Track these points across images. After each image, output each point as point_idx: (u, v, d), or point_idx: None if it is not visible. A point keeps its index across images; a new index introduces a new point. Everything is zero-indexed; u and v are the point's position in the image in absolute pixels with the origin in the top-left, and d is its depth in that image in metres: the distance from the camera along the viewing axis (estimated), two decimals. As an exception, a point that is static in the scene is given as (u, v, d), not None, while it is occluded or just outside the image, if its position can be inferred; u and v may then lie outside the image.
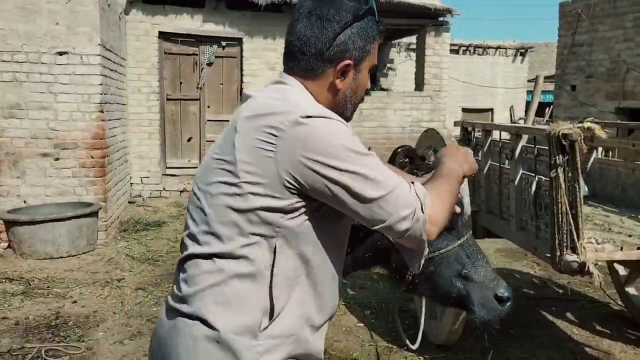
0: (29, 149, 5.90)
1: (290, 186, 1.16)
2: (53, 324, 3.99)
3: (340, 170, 1.16)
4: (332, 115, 1.20)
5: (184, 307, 1.22)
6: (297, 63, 1.30)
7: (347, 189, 1.17)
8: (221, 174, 1.21)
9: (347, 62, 1.29)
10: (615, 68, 9.88)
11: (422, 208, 1.22)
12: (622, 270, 4.27)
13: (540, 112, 15.60)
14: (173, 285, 1.31)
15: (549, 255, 3.01)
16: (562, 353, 3.70)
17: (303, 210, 1.20)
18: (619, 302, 4.43)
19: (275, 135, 1.16)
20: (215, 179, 1.22)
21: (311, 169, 1.15)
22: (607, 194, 4.17)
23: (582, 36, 10.65)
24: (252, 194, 1.17)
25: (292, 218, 1.19)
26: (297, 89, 1.29)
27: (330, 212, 1.23)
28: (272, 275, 1.20)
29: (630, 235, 3.16)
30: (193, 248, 1.25)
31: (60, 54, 5.89)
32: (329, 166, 1.15)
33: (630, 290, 4.22)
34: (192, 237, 1.26)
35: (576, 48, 10.71)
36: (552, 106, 13.45)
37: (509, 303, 1.67)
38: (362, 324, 4.09)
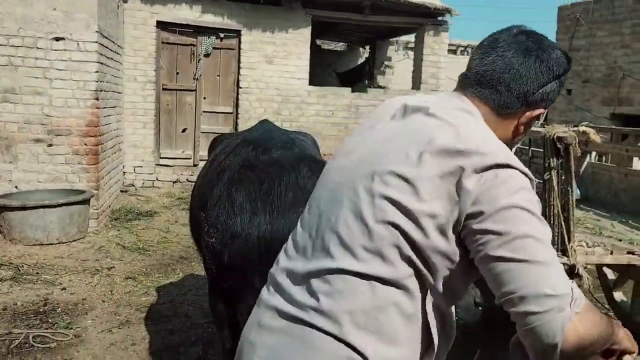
0: (22, 134, 5.86)
1: (458, 231, 1.12)
2: (41, 310, 3.97)
3: (506, 221, 1.08)
4: (523, 168, 1.15)
5: (321, 322, 1.14)
6: (497, 96, 1.25)
7: (499, 236, 1.08)
8: (399, 192, 1.13)
9: (542, 110, 1.28)
10: (612, 74, 9.92)
11: (571, 303, 1.06)
12: (610, 275, 4.30)
13: (535, 115, 15.65)
14: (292, 287, 1.22)
15: (539, 257, 3.02)
16: (548, 354, 3.72)
17: (459, 258, 1.14)
18: (606, 306, 4.46)
19: (465, 177, 1.10)
20: (391, 194, 1.14)
21: (481, 217, 1.09)
22: (599, 198, 4.19)
23: (579, 41, 10.68)
24: (430, 230, 1.12)
25: (447, 261, 1.14)
26: (483, 124, 1.24)
27: (473, 267, 1.17)
28: (426, 314, 1.17)
29: (620, 240, 3.19)
30: (346, 262, 1.15)
31: (57, 39, 5.84)
32: (496, 218, 1.09)
33: (618, 294, 4.25)
34: (346, 248, 1.16)
35: (573, 53, 10.75)
36: (547, 109, 13.51)
37: (481, 307, 1.77)
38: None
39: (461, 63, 16.25)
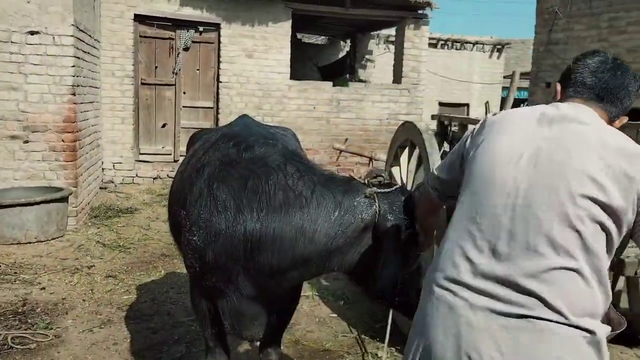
0: (-4, 131, 5.72)
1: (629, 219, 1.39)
2: (20, 310, 3.89)
3: None
4: None
5: (549, 314, 1.34)
6: (614, 108, 1.56)
7: None
8: (597, 191, 1.35)
9: (627, 119, 1.60)
10: (589, 67, 10.04)
11: None
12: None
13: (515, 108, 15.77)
14: (501, 288, 1.38)
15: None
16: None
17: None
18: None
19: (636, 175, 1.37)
20: (590, 194, 1.35)
21: None
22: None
23: (557, 34, 10.79)
24: (622, 221, 1.37)
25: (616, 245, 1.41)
26: None
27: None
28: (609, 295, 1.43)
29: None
30: (561, 260, 1.35)
31: (32, 33, 5.71)
32: None
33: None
34: (558, 247, 1.35)
35: (552, 46, 10.86)
36: (526, 103, 13.64)
37: None
38: (335, 315, 4.10)
39: (442, 56, 16.33)
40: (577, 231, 1.34)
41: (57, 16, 5.75)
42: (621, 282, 4.00)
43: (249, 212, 2.17)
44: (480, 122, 1.66)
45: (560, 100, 1.61)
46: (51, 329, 3.64)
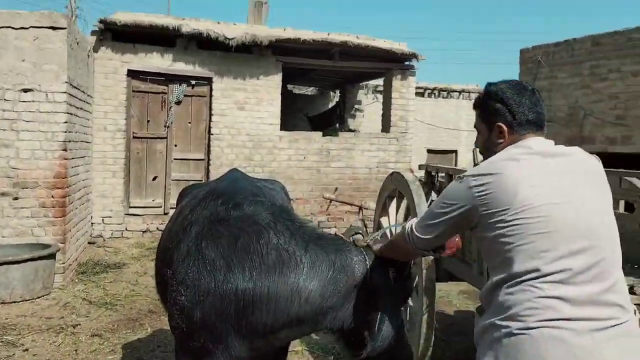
0: (-14, 188, 5.71)
1: None
2: (1, 374, 3.78)
3: None
4: None
5: (629, 315, 1.61)
6: (545, 129, 1.83)
7: None
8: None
9: None
10: (573, 113, 10.27)
11: None
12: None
13: (503, 154, 15.93)
14: (600, 308, 1.58)
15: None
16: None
17: None
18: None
19: None
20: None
21: None
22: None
23: (541, 82, 11.07)
24: None
25: None
26: None
27: None
28: None
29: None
30: (621, 273, 1.64)
31: (25, 90, 5.78)
32: None
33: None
34: (619, 267, 1.64)
35: (536, 94, 11.11)
36: (514, 149, 13.80)
37: None
38: (327, 371, 4.00)
39: (429, 105, 16.63)
40: (619, 248, 1.67)
41: (52, 74, 5.85)
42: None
43: (240, 271, 2.15)
44: (468, 189, 1.71)
45: (510, 140, 1.79)
46: (33, 393, 3.52)
